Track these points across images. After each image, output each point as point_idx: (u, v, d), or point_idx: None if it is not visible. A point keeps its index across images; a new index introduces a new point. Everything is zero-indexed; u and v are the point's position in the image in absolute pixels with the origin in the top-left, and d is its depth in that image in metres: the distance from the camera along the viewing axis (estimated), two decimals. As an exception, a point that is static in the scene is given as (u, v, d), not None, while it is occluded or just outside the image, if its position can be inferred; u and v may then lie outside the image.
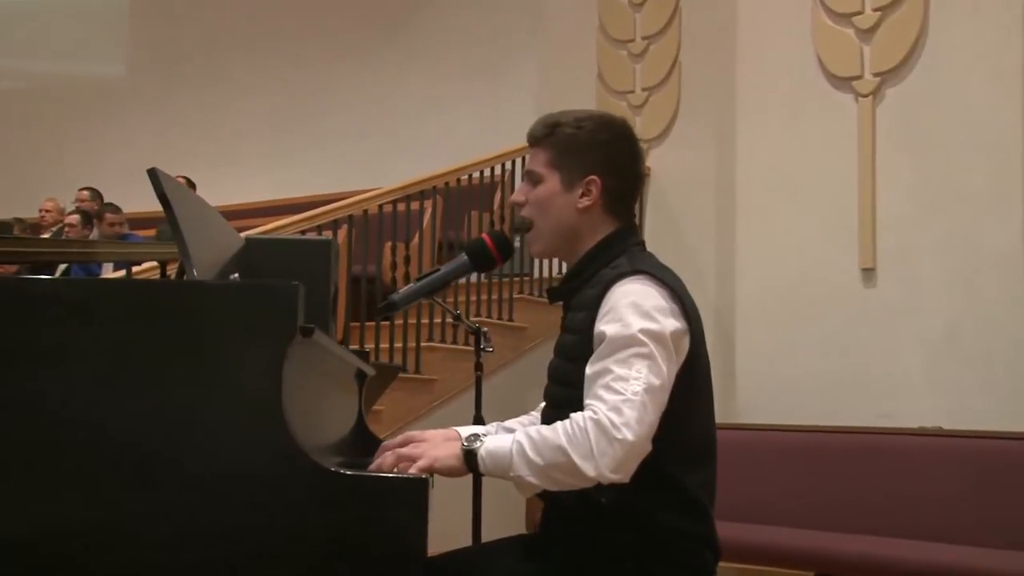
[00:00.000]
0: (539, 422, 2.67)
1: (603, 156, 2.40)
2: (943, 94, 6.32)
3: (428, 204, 6.70)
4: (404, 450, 2.16)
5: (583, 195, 2.38)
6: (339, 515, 1.76)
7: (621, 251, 2.39)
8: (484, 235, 2.60)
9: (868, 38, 6.57)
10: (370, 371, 3.16)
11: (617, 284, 2.25)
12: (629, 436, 2.07)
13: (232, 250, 2.59)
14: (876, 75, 6.52)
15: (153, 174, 2.17)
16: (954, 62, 6.29)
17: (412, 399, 5.83)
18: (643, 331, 2.15)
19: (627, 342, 2.15)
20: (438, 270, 2.61)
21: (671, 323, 2.21)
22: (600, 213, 2.40)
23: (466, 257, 2.58)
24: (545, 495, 2.38)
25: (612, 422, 2.07)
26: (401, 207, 6.25)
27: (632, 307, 2.19)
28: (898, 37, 6.44)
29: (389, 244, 6.18)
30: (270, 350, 1.77)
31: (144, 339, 1.77)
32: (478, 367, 3.29)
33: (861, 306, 6.48)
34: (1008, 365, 5.98)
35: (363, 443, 2.96)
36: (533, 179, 2.44)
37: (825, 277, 6.58)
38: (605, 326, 2.19)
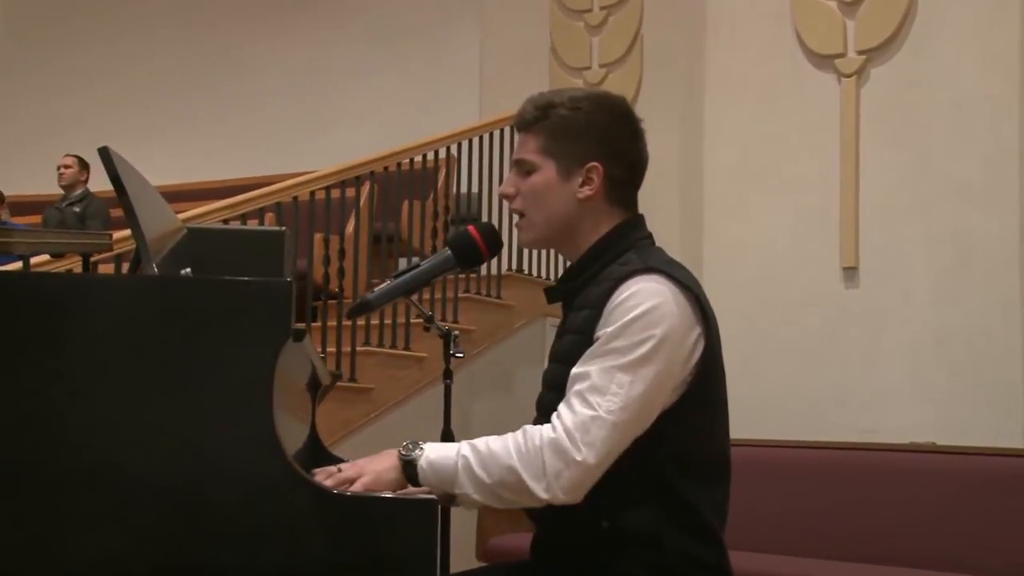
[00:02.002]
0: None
1: (604, 140, 2.40)
2: (934, 74, 6.42)
3: (360, 191, 6.66)
4: (344, 473, 2.15)
5: (584, 184, 2.39)
6: (341, 541, 1.75)
7: (629, 246, 2.40)
8: (470, 227, 2.59)
9: (852, 12, 6.66)
10: (326, 379, 3.15)
11: (627, 282, 2.25)
12: (590, 459, 2.10)
13: (177, 240, 2.57)
14: (861, 53, 6.62)
15: (105, 153, 2.14)
16: (946, 39, 6.40)
17: (346, 410, 5.79)
18: (646, 338, 2.17)
19: (619, 349, 2.17)
20: (418, 266, 2.60)
21: (686, 328, 2.23)
22: (602, 203, 2.41)
23: (449, 252, 2.57)
24: (538, 518, 2.39)
25: (573, 441, 2.10)
26: (334, 194, 6.21)
27: (640, 308, 2.20)
28: (885, 12, 6.53)
29: (320, 235, 6.14)
30: (262, 355, 1.75)
31: (119, 341, 1.74)
32: (447, 375, 3.28)
33: (842, 308, 6.57)
34: (1002, 374, 6.10)
35: (316, 459, 2.95)
36: (525, 168, 2.43)
37: (802, 277, 6.66)
38: (608, 328, 2.21)
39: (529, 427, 2.14)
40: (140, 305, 1.75)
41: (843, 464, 5.63)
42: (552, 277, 7.14)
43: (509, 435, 2.15)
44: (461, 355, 3.27)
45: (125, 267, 5.22)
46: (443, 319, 6.48)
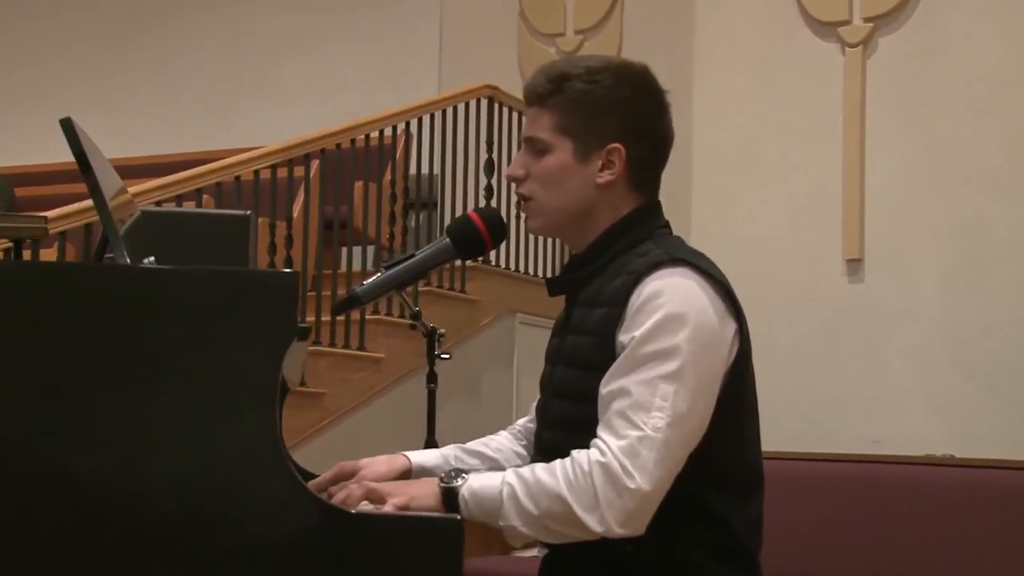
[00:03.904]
0: (512, 445, 2.66)
1: (626, 117, 2.38)
2: (947, 45, 6.47)
3: (303, 171, 6.61)
4: (375, 486, 2.14)
5: (604, 167, 2.36)
6: (353, 564, 1.73)
7: (645, 234, 2.37)
8: (471, 213, 2.57)
9: (858, -26, 6.73)
10: (294, 385, 3.12)
11: (652, 276, 2.23)
12: (644, 485, 2.08)
13: (130, 222, 2.54)
14: (867, 20, 6.65)
15: (69, 125, 2.10)
16: (960, 6, 6.47)
17: (295, 418, 5.71)
18: (680, 342, 2.16)
19: (656, 356, 2.14)
20: (413, 256, 2.57)
21: (722, 327, 2.22)
22: (623, 188, 2.39)
23: (448, 241, 2.55)
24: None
25: (624, 467, 2.07)
26: (280, 173, 6.16)
27: (673, 307, 2.18)
28: (894, -26, 6.61)
29: (264, 220, 6.09)
30: (266, 356, 1.72)
31: (104, 340, 1.70)
32: (431, 378, 3.25)
33: (845, 305, 6.61)
34: (1020, 377, 6.17)
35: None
36: (536, 148, 2.40)
37: (801, 270, 6.69)
38: (635, 330, 2.18)
39: (576, 452, 2.11)
40: (127, 300, 1.71)
41: (849, 479, 5.62)
42: (523, 268, 7.13)
43: (557, 462, 2.12)
44: (447, 356, 3.26)
45: (44, 254, 5.15)
46: (401, 315, 6.45)
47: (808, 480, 5.72)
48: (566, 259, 7.44)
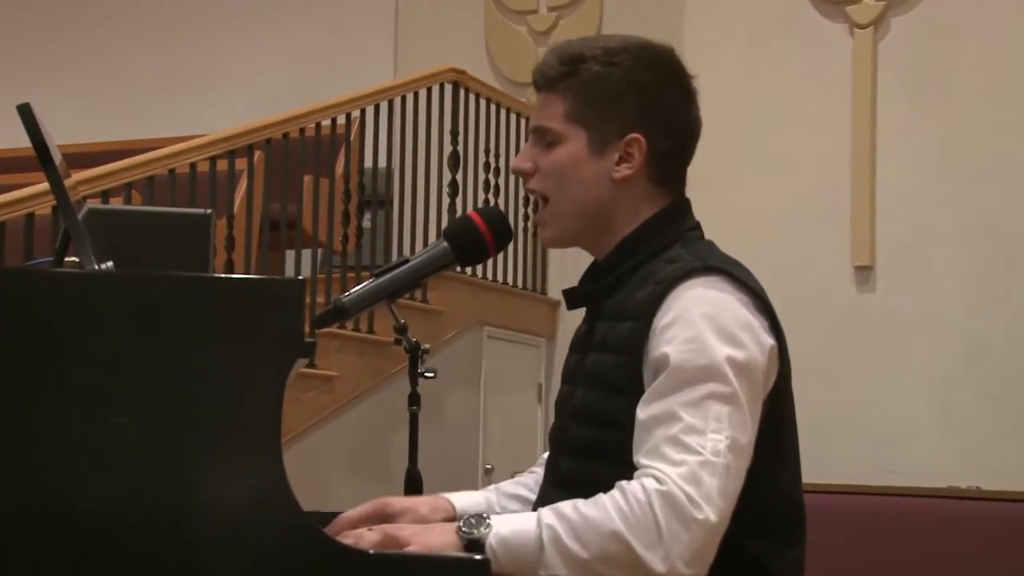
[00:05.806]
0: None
1: (647, 104, 2.38)
2: (965, 24, 6.53)
3: (245, 164, 6.60)
4: (390, 529, 2.12)
5: (621, 160, 2.36)
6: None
7: (674, 238, 2.37)
8: (472, 213, 2.56)
9: (869, -52, 6.79)
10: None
11: (683, 285, 2.22)
12: (712, 516, 2.04)
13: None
14: (878, -1, 6.73)
15: (27, 112, 2.10)
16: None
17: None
18: (727, 360, 2.16)
19: (701, 374, 2.13)
20: (406, 261, 2.57)
21: (762, 345, 2.22)
22: (644, 185, 2.39)
23: (447, 244, 2.55)
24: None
25: (688, 496, 2.03)
26: (220, 166, 6.14)
27: (709, 321, 2.17)
28: (908, -52, 6.67)
29: (202, 219, 6.07)
30: (271, 374, 1.73)
31: (81, 359, 1.69)
32: (413, 399, 3.24)
33: (854, 316, 6.63)
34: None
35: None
36: (546, 139, 2.40)
37: (805, 278, 6.70)
38: (668, 346, 2.18)
39: (625, 483, 2.06)
40: (120, 310, 1.70)
41: (862, 513, 5.62)
42: (492, 276, 7.13)
43: (602, 496, 2.08)
44: (432, 375, 3.25)
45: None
46: (355, 327, 6.45)
47: (814, 515, 5.70)
48: (540, 266, 7.55)
